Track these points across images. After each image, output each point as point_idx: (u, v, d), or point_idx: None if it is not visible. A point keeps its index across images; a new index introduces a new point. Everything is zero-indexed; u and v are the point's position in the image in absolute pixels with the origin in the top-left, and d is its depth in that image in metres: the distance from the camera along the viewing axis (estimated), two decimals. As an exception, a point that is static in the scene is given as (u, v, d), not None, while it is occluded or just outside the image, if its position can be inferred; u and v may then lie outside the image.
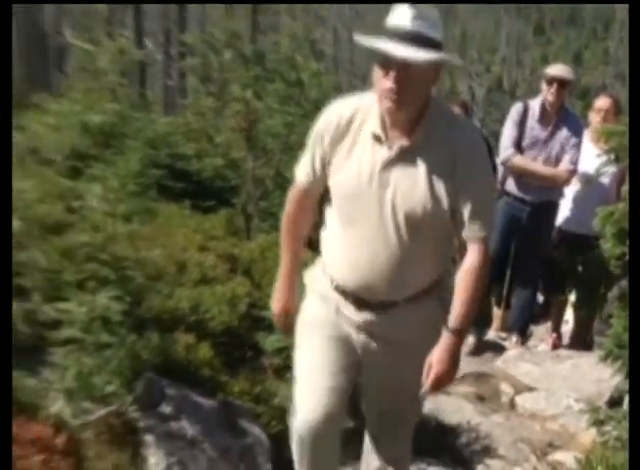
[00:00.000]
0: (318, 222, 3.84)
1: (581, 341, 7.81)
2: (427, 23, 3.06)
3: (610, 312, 4.70)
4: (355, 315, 3.52)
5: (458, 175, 3.24)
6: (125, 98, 11.77)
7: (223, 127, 11.22)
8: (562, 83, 7.28)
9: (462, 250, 3.49)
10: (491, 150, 7.94)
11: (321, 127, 3.44)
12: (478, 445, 5.94)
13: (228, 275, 6.59)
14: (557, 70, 7.46)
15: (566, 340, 8.11)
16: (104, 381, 4.46)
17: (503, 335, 8.19)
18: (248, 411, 5.16)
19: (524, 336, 8.10)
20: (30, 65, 29.15)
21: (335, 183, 3.43)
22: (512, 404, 6.78)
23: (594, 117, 7.49)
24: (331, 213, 3.56)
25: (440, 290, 3.58)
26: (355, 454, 4.40)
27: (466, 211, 3.30)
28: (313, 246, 3.89)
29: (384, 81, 3.10)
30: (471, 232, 3.38)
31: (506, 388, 7.04)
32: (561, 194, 7.55)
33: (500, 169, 7.77)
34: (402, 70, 3.02)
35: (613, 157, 4.76)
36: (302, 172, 3.63)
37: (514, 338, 8.06)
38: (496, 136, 8.31)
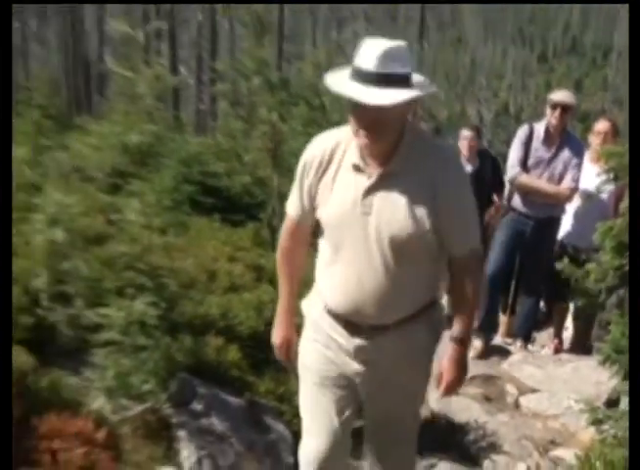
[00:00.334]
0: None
1: (581, 346, 7.79)
2: (395, 60, 2.93)
3: (608, 319, 4.68)
4: (347, 342, 3.38)
5: (440, 198, 3.14)
6: (161, 120, 11.81)
7: (251, 147, 11.23)
8: (564, 108, 7.28)
9: (452, 267, 3.43)
10: (500, 168, 7.94)
11: (307, 161, 3.36)
12: (484, 441, 5.93)
13: (255, 284, 6.60)
14: (560, 95, 7.45)
15: (566, 345, 8.09)
16: (140, 380, 4.49)
17: (508, 340, 8.18)
18: (272, 409, 5.17)
19: (527, 341, 8.09)
20: (75, 90, 29.36)
21: (322, 213, 3.32)
22: (516, 404, 6.77)
23: (594, 140, 7.48)
24: (322, 241, 3.45)
25: (431, 313, 3.47)
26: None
27: (453, 231, 3.24)
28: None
29: (358, 121, 3.03)
30: (460, 249, 3.33)
31: (511, 389, 7.02)
32: (563, 210, 7.55)
33: (507, 187, 7.77)
34: (374, 113, 2.93)
35: (611, 176, 4.75)
36: (293, 206, 3.52)
37: (518, 343, 8.05)
38: (503, 157, 8.30)
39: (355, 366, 3.42)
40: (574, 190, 7.31)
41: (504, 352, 7.85)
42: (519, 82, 61.32)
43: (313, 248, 3.64)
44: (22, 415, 3.51)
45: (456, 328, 3.44)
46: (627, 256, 4.34)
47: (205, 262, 6.94)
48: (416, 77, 3.06)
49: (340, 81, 3.01)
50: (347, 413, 3.60)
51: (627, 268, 4.32)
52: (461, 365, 3.49)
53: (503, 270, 7.75)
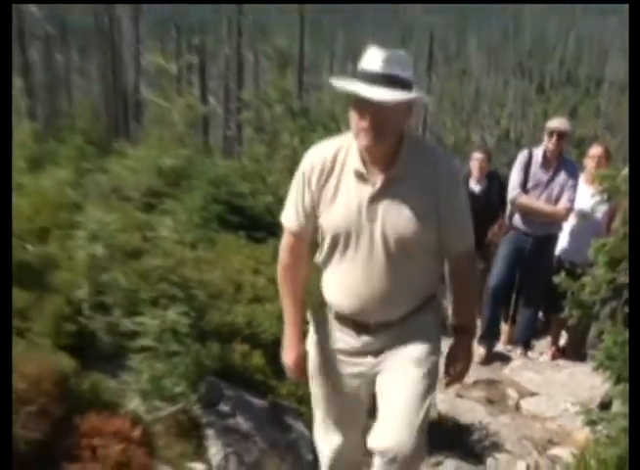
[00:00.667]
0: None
1: (577, 353, 7.77)
2: (397, 64, 2.89)
3: (601, 329, 4.65)
4: (356, 340, 3.31)
5: (440, 200, 3.09)
6: (192, 145, 11.86)
7: (273, 170, 11.28)
8: (560, 135, 7.28)
9: (450, 265, 3.40)
10: (504, 189, 7.93)
11: (306, 171, 3.20)
12: (487, 441, 5.90)
13: (277, 295, 6.54)
14: (556, 123, 7.44)
15: (563, 352, 8.06)
16: (172, 383, 4.49)
17: (509, 347, 8.15)
18: (293, 410, 5.16)
19: (527, 348, 8.06)
20: (114, 117, 29.48)
21: (325, 220, 3.18)
22: (517, 407, 6.74)
23: (588, 163, 7.46)
24: (325, 248, 3.28)
25: (432, 305, 3.40)
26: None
27: (452, 232, 3.19)
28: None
29: (360, 121, 2.94)
30: (459, 248, 3.29)
31: (512, 393, 7.00)
32: (560, 228, 7.54)
33: (508, 207, 7.76)
34: (376, 111, 2.86)
35: (605, 197, 4.73)
36: (292, 219, 3.31)
37: (519, 350, 8.03)
38: (505, 178, 8.30)
39: (365, 359, 3.35)
40: (570, 210, 7.30)
41: (505, 359, 7.82)
42: (519, 111, 61.33)
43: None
44: (65, 415, 3.52)
45: (459, 318, 3.44)
46: (619, 270, 4.33)
47: (232, 275, 6.95)
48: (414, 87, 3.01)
49: (346, 82, 2.96)
50: (361, 408, 3.56)
51: (619, 282, 4.31)
52: (468, 352, 3.48)
53: (505, 283, 7.74)
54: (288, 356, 3.53)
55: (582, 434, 5.45)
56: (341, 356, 3.39)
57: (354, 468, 3.78)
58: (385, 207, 3.06)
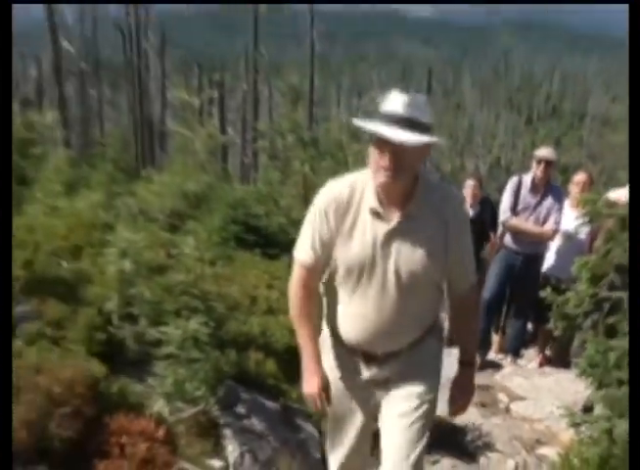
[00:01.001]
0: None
1: (562, 361, 7.74)
2: (417, 109, 2.80)
3: (584, 339, 4.64)
4: (364, 370, 3.18)
5: (451, 236, 3.00)
6: (212, 171, 11.90)
7: (286, 194, 11.30)
8: (547, 163, 7.29)
9: (455, 300, 3.27)
10: (496, 213, 7.92)
11: (323, 207, 3.03)
12: (480, 441, 5.88)
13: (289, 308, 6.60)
14: (543, 152, 7.45)
15: (550, 360, 8.04)
16: (193, 387, 4.49)
17: (500, 356, 8.11)
18: (303, 412, 5.15)
19: (516, 356, 8.03)
20: (142, 146, 29.60)
21: (340, 256, 3.01)
22: (507, 410, 6.71)
23: (573, 189, 7.45)
24: (335, 282, 3.12)
25: (435, 329, 3.28)
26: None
27: (458, 267, 3.11)
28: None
29: (380, 160, 2.83)
30: (463, 283, 3.19)
31: (503, 397, 6.96)
32: (546, 247, 7.53)
33: (500, 228, 7.75)
34: (397, 151, 2.77)
35: (587, 219, 4.73)
36: (308, 253, 3.11)
37: (509, 358, 8.00)
38: (496, 203, 8.29)
39: (371, 388, 3.23)
40: (556, 231, 7.29)
41: (497, 366, 7.79)
42: (509, 141, 61.44)
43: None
44: (96, 415, 3.52)
45: (463, 353, 3.32)
46: (601, 285, 4.33)
47: (248, 289, 6.97)
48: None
49: (368, 123, 2.84)
50: (369, 431, 3.42)
51: (601, 296, 4.30)
52: (471, 385, 3.39)
53: (496, 297, 7.72)
54: (311, 385, 3.22)
55: (567, 435, 5.42)
56: (349, 384, 3.26)
57: None
58: (399, 243, 2.97)
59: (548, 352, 7.97)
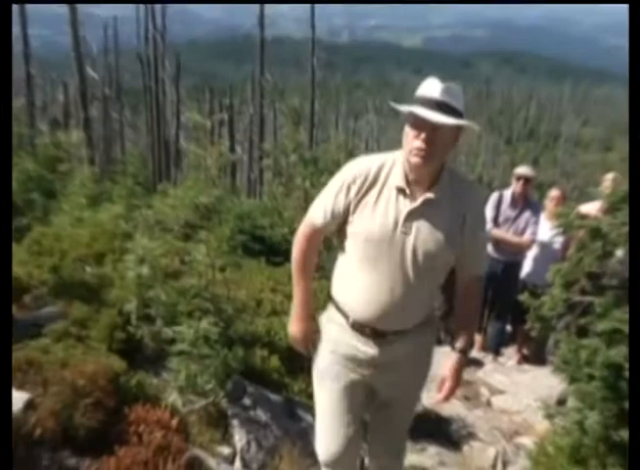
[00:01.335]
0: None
1: (538, 359, 7.73)
2: (452, 95, 2.72)
3: (558, 339, 4.64)
4: (371, 348, 3.01)
5: (468, 226, 2.89)
6: (222, 186, 11.92)
7: (289, 207, 11.30)
8: (526, 179, 7.31)
9: (461, 287, 3.13)
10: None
11: (348, 178, 2.94)
12: (464, 431, 5.88)
13: (291, 310, 6.59)
14: (522, 170, 7.47)
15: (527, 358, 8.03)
16: (204, 381, 4.49)
17: (482, 354, 8.10)
18: (303, 404, 5.15)
19: (497, 355, 8.03)
20: (158, 163, 29.61)
21: (360, 229, 2.89)
22: (488, 403, 6.71)
23: (548, 203, 7.45)
24: (348, 256, 3.00)
25: (433, 319, 3.18)
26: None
27: (470, 255, 2.99)
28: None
29: (414, 141, 2.74)
30: (472, 272, 3.08)
31: (484, 391, 6.96)
32: (524, 256, 7.54)
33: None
34: (431, 133, 2.69)
35: (561, 230, 4.74)
36: (320, 214, 3.03)
37: (490, 356, 8.00)
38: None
39: (373, 370, 3.06)
40: (533, 241, 7.31)
41: (479, 363, 7.79)
42: (490, 160, 61.56)
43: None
44: (116, 406, 3.52)
45: (461, 341, 3.14)
46: (573, 290, 4.33)
47: (254, 293, 6.97)
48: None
49: (405, 105, 2.75)
50: (361, 412, 3.26)
51: (573, 300, 4.31)
52: (461, 372, 3.21)
53: (479, 301, 7.72)
54: (295, 328, 3.27)
55: (542, 426, 5.42)
56: (349, 363, 3.09)
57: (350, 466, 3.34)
58: (419, 223, 2.84)
59: (525, 351, 7.97)
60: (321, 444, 3.24)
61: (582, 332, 4.20)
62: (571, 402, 4.29)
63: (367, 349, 3.02)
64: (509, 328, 8.28)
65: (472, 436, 5.82)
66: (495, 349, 8.07)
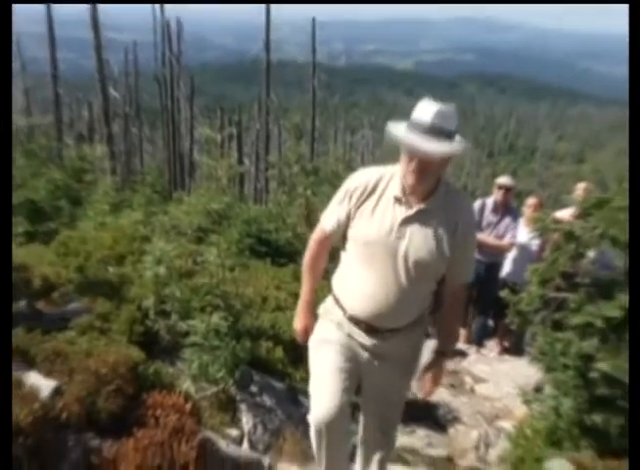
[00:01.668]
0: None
1: (517, 350, 7.73)
2: (444, 118, 2.63)
3: (535, 332, 4.64)
4: (366, 340, 2.99)
5: (458, 235, 2.83)
6: (231, 194, 11.92)
7: (292, 213, 11.31)
8: (506, 189, 7.31)
9: (447, 292, 3.09)
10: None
11: (350, 188, 2.92)
12: (450, 415, 5.87)
13: (294, 306, 6.58)
14: (502, 180, 7.46)
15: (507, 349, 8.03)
16: (215, 370, 4.49)
17: (467, 346, 8.08)
18: (305, 391, 5.13)
19: (480, 346, 8.02)
20: (174, 174, 29.59)
21: (358, 233, 2.89)
22: (472, 390, 6.69)
23: (526, 210, 7.44)
24: (349, 257, 3.00)
25: (424, 319, 3.10)
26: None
27: (458, 264, 2.92)
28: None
29: (408, 164, 2.71)
30: (461, 279, 3.04)
31: (468, 379, 6.95)
32: (504, 257, 7.54)
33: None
34: (423, 159, 2.65)
35: (538, 234, 4.74)
36: (329, 222, 3.03)
37: (474, 348, 7.98)
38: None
39: (367, 355, 3.04)
40: (512, 244, 7.31)
41: (464, 354, 7.77)
42: (474, 171, 61.53)
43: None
44: (135, 392, 3.51)
45: (443, 344, 3.15)
46: (548, 287, 4.32)
47: (260, 290, 6.96)
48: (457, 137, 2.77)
49: (400, 131, 2.69)
50: (352, 378, 3.09)
51: (548, 296, 4.30)
52: (442, 371, 3.22)
53: (464, 298, 7.71)
54: (298, 323, 3.34)
55: (521, 411, 5.40)
56: (349, 342, 3.04)
57: (342, 437, 3.21)
58: (413, 231, 2.80)
59: (506, 343, 7.96)
60: (315, 405, 3.08)
61: (557, 326, 4.20)
62: (547, 390, 4.28)
63: (362, 339, 3.01)
64: (491, 322, 8.26)
65: (457, 420, 5.81)
66: (478, 341, 8.06)
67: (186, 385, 4.33)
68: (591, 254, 4.25)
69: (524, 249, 7.30)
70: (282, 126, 33.27)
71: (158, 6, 28.89)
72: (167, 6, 29.22)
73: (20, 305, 4.58)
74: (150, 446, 3.18)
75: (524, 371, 6.46)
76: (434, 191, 2.83)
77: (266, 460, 4.03)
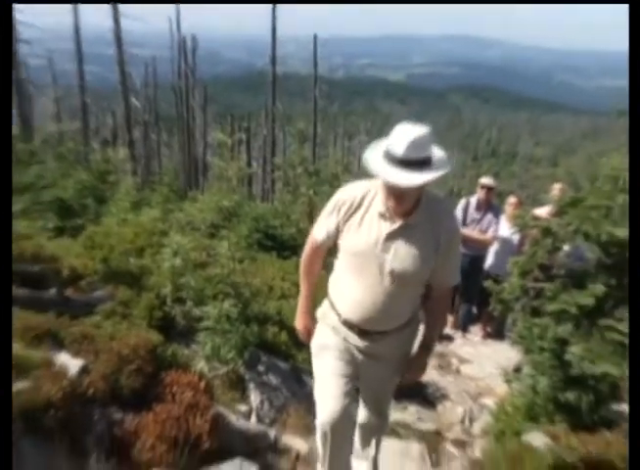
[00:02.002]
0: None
1: (499, 334, 7.73)
2: (416, 147, 2.51)
3: (515, 318, 4.64)
4: (359, 342, 2.96)
5: (442, 243, 2.74)
6: (240, 194, 11.91)
7: (295, 211, 11.31)
8: (489, 188, 7.30)
9: (433, 294, 3.00)
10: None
11: (338, 203, 2.84)
12: (438, 393, 5.87)
13: (297, 294, 6.57)
14: (485, 180, 7.45)
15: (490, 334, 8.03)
16: (226, 352, 4.49)
17: (453, 331, 8.08)
18: (308, 371, 5.14)
19: (465, 331, 8.02)
20: (188, 175, 29.52)
21: (347, 244, 2.84)
22: (458, 371, 6.70)
23: (507, 208, 7.43)
24: (340, 265, 2.96)
25: (414, 321, 3.03)
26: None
27: (444, 269, 2.83)
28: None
29: (388, 193, 2.66)
30: (444, 284, 2.94)
31: (455, 361, 6.95)
32: (487, 250, 7.53)
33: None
34: (401, 188, 2.56)
35: (517, 229, 4.73)
36: (320, 232, 2.97)
37: (460, 333, 7.98)
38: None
39: (362, 357, 3.01)
40: (495, 238, 7.30)
41: (450, 338, 7.78)
42: (460, 173, 61.42)
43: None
44: (154, 371, 3.52)
45: (428, 339, 3.07)
46: (527, 278, 4.33)
47: (267, 280, 6.97)
48: (436, 152, 2.64)
49: (377, 163, 2.59)
50: (352, 381, 3.06)
51: (527, 286, 4.30)
52: (426, 363, 3.15)
53: (450, 288, 7.70)
54: (299, 324, 3.31)
55: (502, 389, 5.41)
56: (345, 345, 3.02)
57: (345, 440, 3.17)
58: (397, 244, 2.74)
59: (489, 328, 7.96)
60: (321, 409, 3.05)
61: (535, 312, 4.20)
62: (526, 370, 4.29)
63: (356, 342, 2.99)
64: (475, 310, 8.27)
65: (444, 397, 5.81)
66: (464, 327, 8.06)
67: (200, 365, 4.33)
68: (566, 247, 4.26)
69: (505, 243, 7.29)
70: (287, 132, 33.19)
71: (175, 24, 28.86)
72: (184, 24, 29.17)
73: (50, 292, 4.58)
74: (167, 420, 3.18)
75: (505, 353, 6.46)
76: (416, 206, 2.75)
77: (272, 433, 4.04)
